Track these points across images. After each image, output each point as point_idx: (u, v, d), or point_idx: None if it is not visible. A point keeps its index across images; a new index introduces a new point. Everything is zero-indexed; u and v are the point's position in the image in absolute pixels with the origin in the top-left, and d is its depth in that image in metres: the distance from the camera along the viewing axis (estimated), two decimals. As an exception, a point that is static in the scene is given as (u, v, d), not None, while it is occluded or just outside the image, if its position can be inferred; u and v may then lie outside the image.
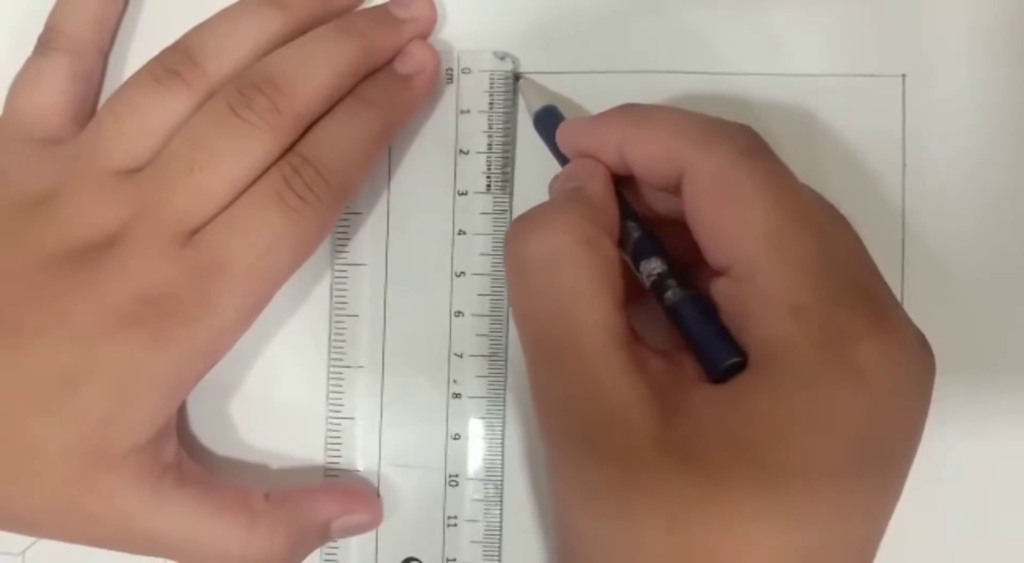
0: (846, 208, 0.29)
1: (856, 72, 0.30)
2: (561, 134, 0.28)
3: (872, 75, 0.30)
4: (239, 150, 0.26)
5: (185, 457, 0.28)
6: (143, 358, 0.25)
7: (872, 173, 0.30)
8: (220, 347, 0.26)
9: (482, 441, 0.30)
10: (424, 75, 0.29)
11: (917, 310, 0.29)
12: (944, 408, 0.29)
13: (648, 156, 0.25)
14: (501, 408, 0.30)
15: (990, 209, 0.29)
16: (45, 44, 0.30)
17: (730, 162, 0.24)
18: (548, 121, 0.29)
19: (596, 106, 0.30)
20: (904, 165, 0.30)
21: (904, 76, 0.30)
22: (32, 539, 0.31)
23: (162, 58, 0.27)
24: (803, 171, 0.29)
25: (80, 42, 0.30)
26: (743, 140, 0.25)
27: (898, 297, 0.29)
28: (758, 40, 0.30)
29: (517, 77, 0.30)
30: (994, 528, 0.29)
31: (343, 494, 0.29)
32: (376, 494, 0.30)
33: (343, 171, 0.27)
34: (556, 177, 0.28)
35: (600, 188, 0.26)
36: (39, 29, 0.30)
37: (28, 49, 0.30)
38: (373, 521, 0.30)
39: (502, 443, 0.30)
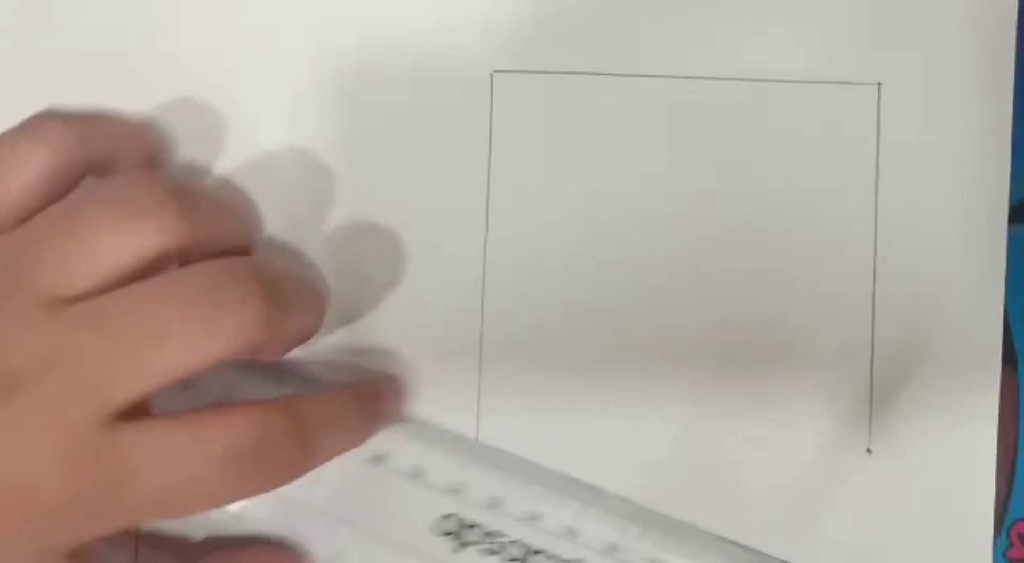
0: (817, 219, 0.29)
1: (830, 79, 0.30)
2: None
3: (847, 83, 0.30)
4: None
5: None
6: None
7: (845, 183, 0.30)
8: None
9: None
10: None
11: (888, 323, 0.29)
12: (921, 406, 0.29)
13: None
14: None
15: (964, 221, 0.29)
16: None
17: None
18: None
19: (565, 109, 0.30)
20: (877, 175, 0.30)
21: (879, 84, 0.30)
22: None
23: None
24: (773, 181, 0.29)
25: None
26: None
27: (869, 310, 0.29)
28: (731, 45, 0.30)
29: None
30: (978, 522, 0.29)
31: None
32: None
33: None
34: None
35: None
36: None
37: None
38: None
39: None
